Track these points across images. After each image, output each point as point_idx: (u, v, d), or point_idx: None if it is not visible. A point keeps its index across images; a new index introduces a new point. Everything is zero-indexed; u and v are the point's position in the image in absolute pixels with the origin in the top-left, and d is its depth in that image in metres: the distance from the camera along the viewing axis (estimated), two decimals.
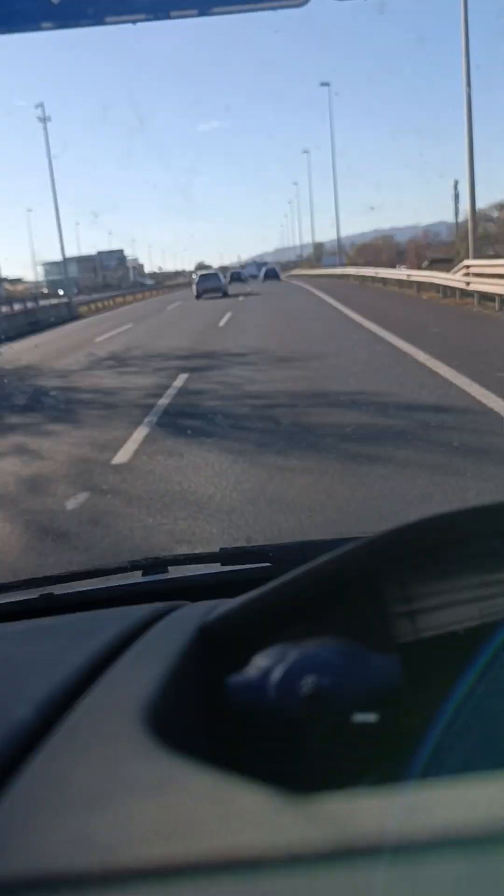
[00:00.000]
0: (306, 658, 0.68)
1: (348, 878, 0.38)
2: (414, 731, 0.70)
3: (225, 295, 27.89)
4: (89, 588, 1.25)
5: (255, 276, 42.50)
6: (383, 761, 0.68)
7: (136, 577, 1.32)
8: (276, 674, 0.68)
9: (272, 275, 42.32)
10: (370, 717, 0.66)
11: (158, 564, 1.37)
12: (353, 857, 0.39)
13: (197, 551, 1.51)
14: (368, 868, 0.38)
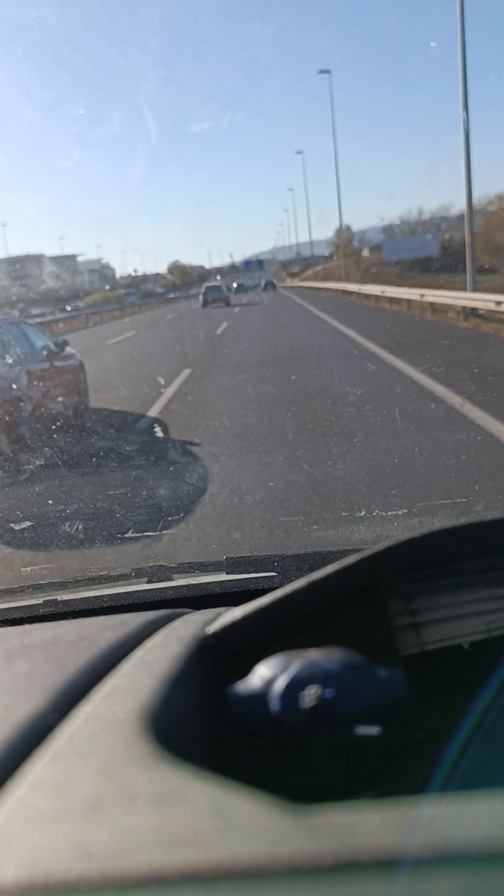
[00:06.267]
0: (309, 669, 0.68)
1: (348, 891, 0.38)
2: (416, 745, 0.69)
3: (227, 304, 29.12)
4: (93, 594, 1.25)
5: (249, 289, 42.28)
6: (385, 774, 0.67)
7: (139, 585, 1.32)
8: (279, 684, 0.68)
9: (269, 286, 43.93)
10: (373, 730, 0.66)
11: (162, 572, 1.36)
12: (354, 870, 0.38)
13: (201, 559, 1.50)
14: (368, 881, 0.38)
